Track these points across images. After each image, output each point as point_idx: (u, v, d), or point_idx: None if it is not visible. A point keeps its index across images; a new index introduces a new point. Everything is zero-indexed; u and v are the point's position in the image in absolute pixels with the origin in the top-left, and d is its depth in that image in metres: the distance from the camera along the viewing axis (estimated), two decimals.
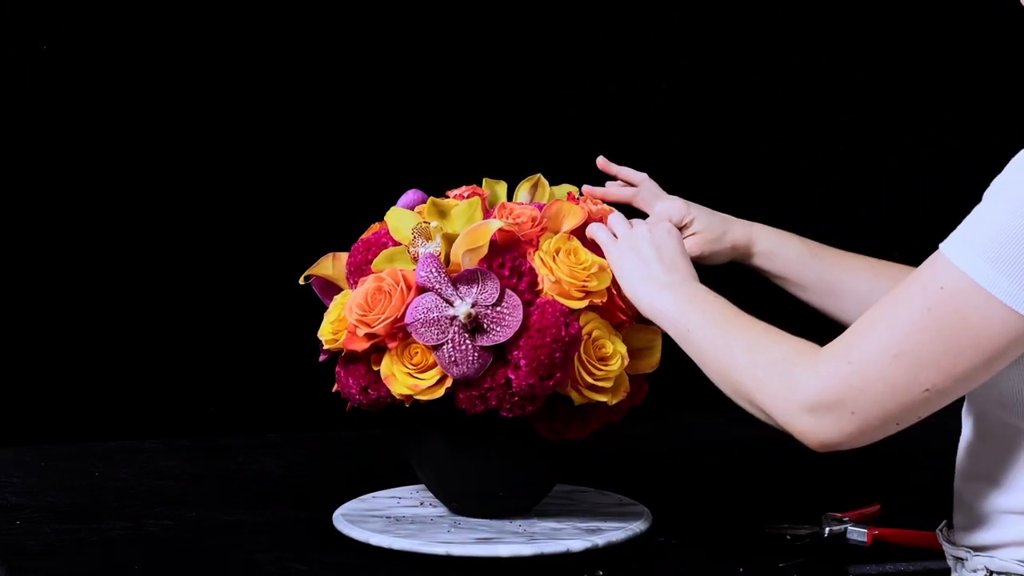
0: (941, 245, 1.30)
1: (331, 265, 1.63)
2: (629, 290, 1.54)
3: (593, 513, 1.66)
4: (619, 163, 1.76)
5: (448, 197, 1.65)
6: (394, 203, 1.64)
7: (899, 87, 2.58)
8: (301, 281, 1.64)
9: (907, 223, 2.59)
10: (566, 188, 1.68)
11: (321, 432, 2.11)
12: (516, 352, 1.50)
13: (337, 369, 1.59)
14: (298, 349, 1.75)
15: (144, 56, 2.24)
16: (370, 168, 2.32)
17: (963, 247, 1.28)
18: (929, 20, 2.56)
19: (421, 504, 1.69)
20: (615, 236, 1.58)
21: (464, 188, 1.66)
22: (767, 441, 2.10)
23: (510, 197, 1.68)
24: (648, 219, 1.62)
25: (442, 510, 1.67)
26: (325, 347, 1.59)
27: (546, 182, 1.67)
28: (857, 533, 1.66)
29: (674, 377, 1.81)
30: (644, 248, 1.55)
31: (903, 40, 2.57)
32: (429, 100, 2.36)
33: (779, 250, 1.71)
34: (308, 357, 1.67)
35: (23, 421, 2.22)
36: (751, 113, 2.53)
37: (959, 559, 1.43)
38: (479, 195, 1.64)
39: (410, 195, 1.64)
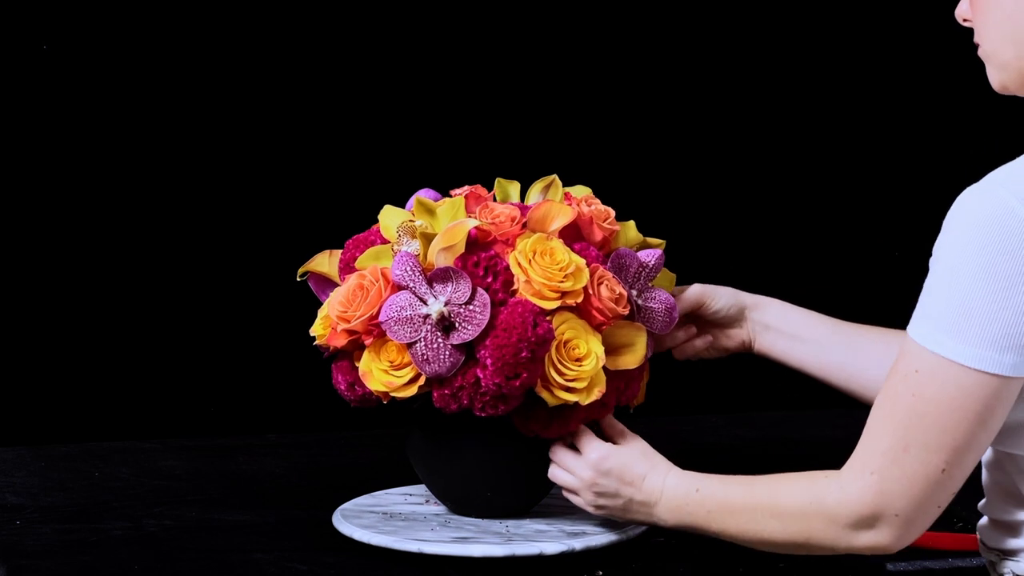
0: (907, 328, 1.36)
1: (327, 262, 1.64)
2: (641, 522, 1.55)
3: (593, 515, 1.65)
4: (635, 163, 1.76)
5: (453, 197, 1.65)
6: (406, 201, 1.64)
7: (898, 88, 2.59)
8: (297, 277, 1.65)
9: (906, 223, 2.59)
10: (581, 190, 1.67)
11: (321, 432, 2.11)
12: (483, 351, 1.51)
13: (332, 366, 1.60)
14: (299, 349, 1.75)
15: (144, 56, 2.24)
16: (387, 166, 2.32)
17: (922, 325, 1.34)
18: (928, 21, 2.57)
19: (427, 501, 1.69)
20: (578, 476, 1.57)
21: (466, 187, 1.66)
22: (767, 441, 2.11)
23: (523, 198, 1.68)
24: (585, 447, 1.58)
25: (442, 508, 1.67)
26: (316, 343, 1.60)
27: (560, 183, 1.66)
28: None
29: (674, 377, 1.81)
30: (608, 486, 1.54)
31: (905, 41, 2.58)
32: (450, 98, 2.36)
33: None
34: (308, 357, 1.67)
35: (23, 421, 2.22)
36: (766, 116, 2.53)
37: (991, 562, 1.48)
38: (480, 195, 1.64)
39: (423, 194, 1.64)
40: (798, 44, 2.53)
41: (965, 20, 1.43)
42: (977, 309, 1.30)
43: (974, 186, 1.33)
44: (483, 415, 1.53)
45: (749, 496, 1.47)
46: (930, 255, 1.36)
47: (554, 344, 1.52)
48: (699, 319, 1.72)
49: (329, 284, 1.64)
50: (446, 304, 1.52)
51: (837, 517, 1.40)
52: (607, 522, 1.63)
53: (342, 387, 1.58)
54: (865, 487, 1.38)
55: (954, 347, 1.32)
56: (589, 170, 1.80)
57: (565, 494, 1.59)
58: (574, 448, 1.57)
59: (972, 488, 1.54)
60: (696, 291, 1.70)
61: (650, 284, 1.63)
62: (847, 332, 1.70)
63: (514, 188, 1.69)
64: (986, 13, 1.39)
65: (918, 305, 1.36)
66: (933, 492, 1.36)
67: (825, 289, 2.50)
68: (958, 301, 1.31)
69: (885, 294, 2.52)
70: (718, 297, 1.70)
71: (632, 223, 1.67)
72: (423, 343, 1.52)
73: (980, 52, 1.42)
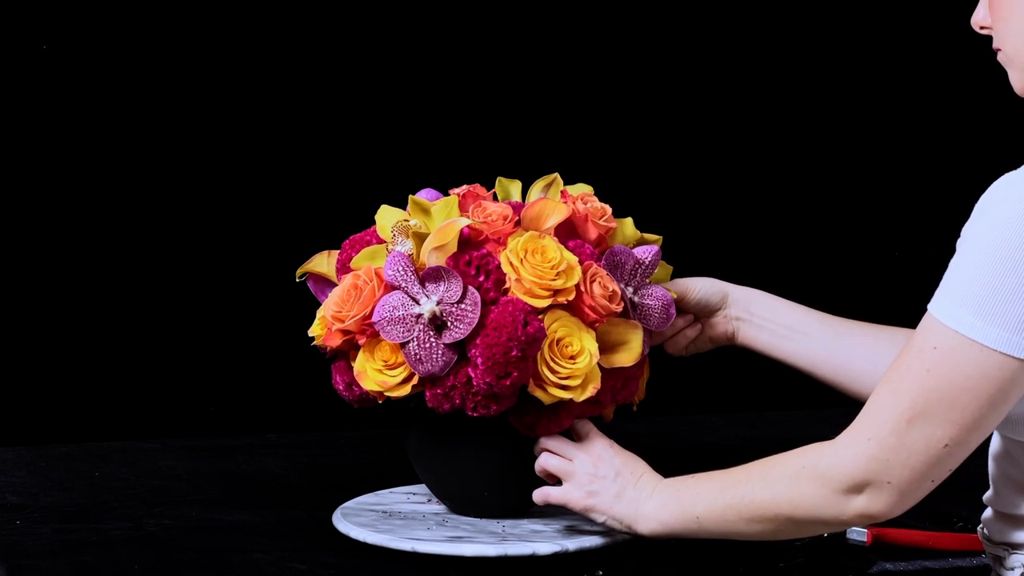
0: (929, 306, 1.36)
1: (325, 262, 1.64)
2: (623, 525, 1.54)
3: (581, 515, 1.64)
4: (634, 161, 1.76)
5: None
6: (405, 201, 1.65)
7: (896, 88, 2.59)
8: (296, 278, 1.65)
9: (906, 224, 2.59)
10: (582, 188, 1.67)
11: (321, 432, 2.12)
12: (474, 350, 1.51)
13: (331, 366, 1.61)
14: (299, 349, 1.75)
15: (144, 56, 2.24)
16: (387, 166, 2.33)
17: (947, 304, 1.34)
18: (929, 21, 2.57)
19: (429, 500, 1.70)
20: (570, 470, 1.57)
21: (465, 187, 1.66)
22: (767, 441, 2.11)
23: (524, 197, 1.68)
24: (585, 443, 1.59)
25: (443, 507, 1.67)
26: (315, 343, 1.60)
27: (562, 182, 1.66)
28: (857, 533, 1.66)
29: (674, 377, 1.81)
30: (608, 471, 1.55)
31: (904, 41, 2.58)
32: (449, 98, 2.36)
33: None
34: (308, 357, 1.67)
35: (23, 421, 2.22)
36: (765, 115, 2.53)
37: (996, 556, 1.48)
38: (478, 193, 1.65)
39: (424, 194, 1.65)
40: (797, 43, 2.54)
41: (983, 28, 1.42)
42: (1008, 293, 1.30)
43: (1012, 173, 1.32)
44: (475, 415, 1.53)
45: (741, 470, 1.48)
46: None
47: (547, 342, 1.52)
48: (682, 313, 1.71)
49: (328, 284, 1.64)
50: (438, 303, 1.52)
51: (828, 480, 1.39)
52: None
53: (340, 387, 1.59)
54: (860, 452, 1.37)
55: (979, 327, 1.32)
56: (588, 168, 1.80)
57: (540, 495, 1.57)
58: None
59: (972, 487, 1.55)
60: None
61: (647, 281, 1.63)
62: (834, 325, 1.70)
63: (515, 187, 1.69)
64: (1009, 18, 1.38)
65: (941, 284, 1.35)
66: (932, 466, 1.36)
67: (824, 289, 2.50)
68: (988, 283, 1.31)
69: (885, 294, 2.53)
70: (695, 288, 1.70)
71: (629, 220, 1.66)
72: (416, 343, 1.52)
73: (1001, 57, 1.41)
